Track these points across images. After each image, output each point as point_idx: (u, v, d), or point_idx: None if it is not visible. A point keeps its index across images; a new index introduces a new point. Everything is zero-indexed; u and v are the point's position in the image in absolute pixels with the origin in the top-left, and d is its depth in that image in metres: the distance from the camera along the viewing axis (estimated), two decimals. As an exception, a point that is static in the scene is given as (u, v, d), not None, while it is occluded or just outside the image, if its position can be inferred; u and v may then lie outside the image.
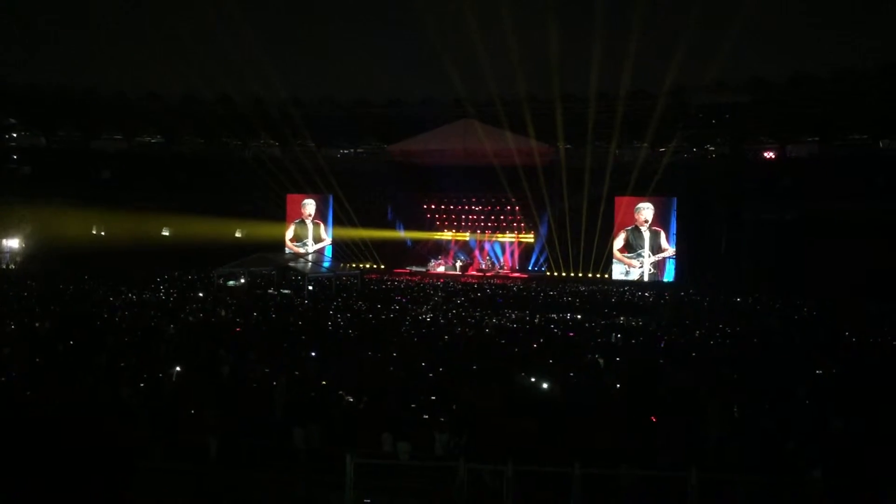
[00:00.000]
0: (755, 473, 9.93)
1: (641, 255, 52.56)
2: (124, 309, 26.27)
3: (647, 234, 52.34)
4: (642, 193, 51.27)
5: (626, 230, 52.92)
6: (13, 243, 54.61)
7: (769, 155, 57.10)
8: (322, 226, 61.02)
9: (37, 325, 21.22)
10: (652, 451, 10.80)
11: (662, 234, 51.99)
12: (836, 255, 42.04)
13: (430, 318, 26.97)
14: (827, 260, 42.15)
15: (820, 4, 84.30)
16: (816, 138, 55.19)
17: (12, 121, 64.40)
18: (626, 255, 53.09)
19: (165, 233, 57.58)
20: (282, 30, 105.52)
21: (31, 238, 54.12)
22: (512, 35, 49.39)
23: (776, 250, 46.66)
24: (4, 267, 50.89)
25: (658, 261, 52.11)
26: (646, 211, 52.36)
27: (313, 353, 17.45)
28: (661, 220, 52.05)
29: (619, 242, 53.16)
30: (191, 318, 24.46)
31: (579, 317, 28.98)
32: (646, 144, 54.74)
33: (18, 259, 53.06)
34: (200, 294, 33.55)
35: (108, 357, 15.92)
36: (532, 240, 59.47)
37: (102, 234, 57.30)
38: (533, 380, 14.90)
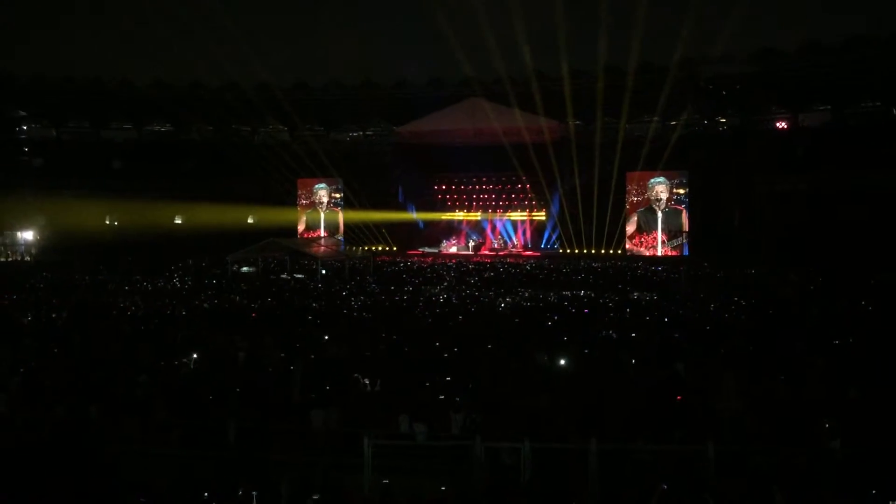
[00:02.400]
0: (773, 445, 9.91)
1: (655, 240, 52.17)
2: (139, 297, 26.43)
3: (660, 216, 51.95)
4: (653, 168, 50.96)
5: (639, 212, 52.59)
6: (28, 235, 54.96)
7: (781, 125, 56.59)
8: (338, 212, 61.09)
9: (53, 315, 21.38)
10: (669, 424, 10.80)
11: (684, 214, 51.42)
12: (851, 225, 41.78)
13: (443, 298, 27.00)
14: (842, 229, 41.87)
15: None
16: (828, 107, 54.65)
17: (22, 113, 64.57)
18: (637, 242, 52.78)
19: (178, 221, 57.75)
20: (287, 13, 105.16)
21: (44, 230, 54.44)
22: (518, 11, 48.85)
23: (790, 221, 46.31)
24: (20, 259, 51.24)
25: (675, 245, 51.70)
26: (659, 187, 51.99)
27: (328, 337, 17.51)
28: (676, 195, 51.70)
29: (631, 227, 52.85)
30: (206, 305, 24.59)
31: (593, 293, 28.90)
32: (656, 118, 54.34)
33: (33, 251, 53.42)
34: (214, 281, 33.69)
35: (124, 346, 16.05)
36: (544, 217, 59.27)
37: (115, 223, 57.57)
38: (548, 357, 14.92)
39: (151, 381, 13.25)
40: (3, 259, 51.39)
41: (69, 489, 8.68)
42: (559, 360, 14.70)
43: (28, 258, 51.31)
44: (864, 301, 25.01)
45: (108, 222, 57.61)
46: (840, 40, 49.07)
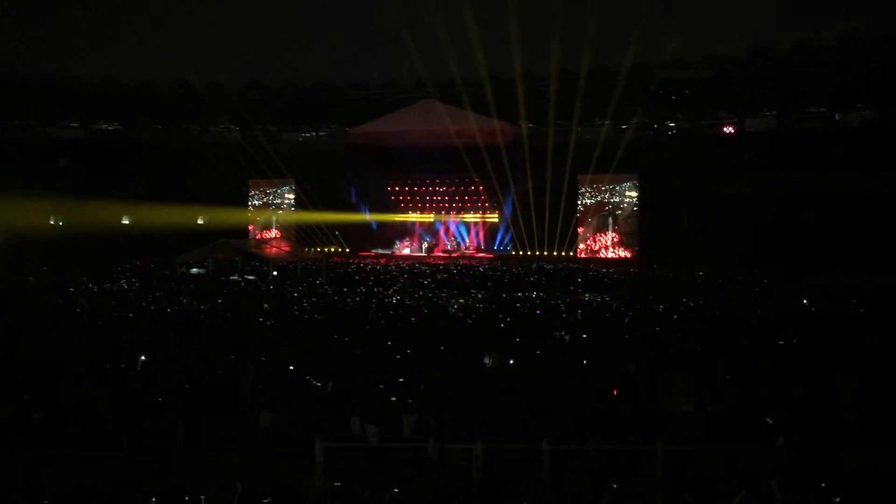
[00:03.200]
0: (720, 444, 10.09)
1: (606, 243, 53.28)
2: (85, 298, 25.90)
3: (611, 218, 52.91)
4: (605, 171, 51.52)
5: (591, 215, 53.45)
6: (-32, 235, 53.41)
7: (729, 130, 57.71)
8: (290, 213, 60.68)
9: (-5, 317, 20.86)
10: (619, 425, 10.93)
11: (634, 216, 52.44)
12: (796, 227, 42.82)
13: (396, 300, 26.96)
14: (787, 232, 42.87)
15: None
16: (774, 112, 55.89)
17: (-37, 110, 62.81)
18: (589, 244, 53.84)
19: (125, 221, 56.68)
20: (240, 11, 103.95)
21: (-14, 229, 52.95)
22: (471, 13, 49.01)
23: (737, 224, 47.16)
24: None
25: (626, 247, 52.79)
26: (611, 189, 52.82)
27: (279, 338, 17.37)
28: (627, 198, 52.57)
29: (582, 229, 53.68)
30: (153, 307, 24.19)
31: (545, 295, 29.10)
32: (608, 122, 54.95)
33: (-26, 252, 51.93)
34: (163, 282, 33.16)
35: (69, 348, 15.72)
36: (497, 219, 59.55)
37: (60, 223, 56.26)
38: (501, 358, 14.98)
39: (97, 383, 13.01)
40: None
41: None
42: (511, 362, 14.79)
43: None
44: (809, 302, 25.65)
45: (52, 222, 56.28)
46: (786, 47, 50.22)
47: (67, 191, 52.34)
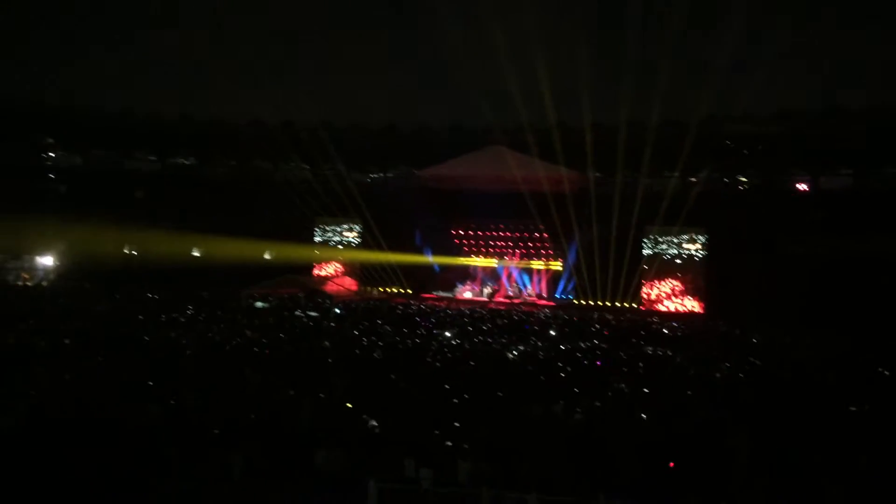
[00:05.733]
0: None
1: (671, 296, 52.84)
2: (153, 327, 26.48)
3: (677, 271, 52.49)
4: (672, 223, 50.98)
5: (656, 267, 53.13)
6: (47, 260, 55.44)
7: (802, 187, 56.57)
8: (355, 252, 61.47)
9: (66, 342, 21.44)
10: (680, 484, 10.65)
11: (701, 271, 52.19)
12: (870, 290, 41.48)
13: (455, 343, 26.87)
14: (860, 294, 41.56)
15: (852, 39, 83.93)
16: (850, 171, 54.63)
17: (49, 140, 65.53)
18: (653, 297, 53.45)
19: (196, 253, 58.10)
20: (313, 55, 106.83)
21: (64, 256, 54.90)
22: (541, 62, 49.40)
23: (807, 284, 45.94)
24: (38, 283, 51.62)
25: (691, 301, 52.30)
26: (677, 242, 52.37)
27: (339, 376, 17.45)
28: (693, 252, 51.94)
29: (646, 281, 53.50)
30: (217, 339, 24.58)
31: (606, 346, 28.67)
32: (676, 174, 54.45)
33: (52, 276, 53.81)
34: (228, 314, 33.73)
35: (136, 375, 16.07)
36: (560, 267, 59.21)
37: (134, 253, 57.98)
38: (560, 408, 14.79)
39: (160, 411, 13.25)
40: (21, 283, 51.87)
41: None
42: (570, 412, 14.58)
43: (46, 283, 51.66)
44: (883, 367, 24.68)
45: (126, 251, 58.04)
46: (862, 105, 49.30)
47: (142, 221, 53.99)
